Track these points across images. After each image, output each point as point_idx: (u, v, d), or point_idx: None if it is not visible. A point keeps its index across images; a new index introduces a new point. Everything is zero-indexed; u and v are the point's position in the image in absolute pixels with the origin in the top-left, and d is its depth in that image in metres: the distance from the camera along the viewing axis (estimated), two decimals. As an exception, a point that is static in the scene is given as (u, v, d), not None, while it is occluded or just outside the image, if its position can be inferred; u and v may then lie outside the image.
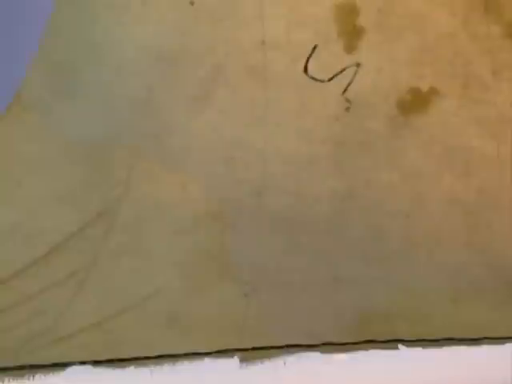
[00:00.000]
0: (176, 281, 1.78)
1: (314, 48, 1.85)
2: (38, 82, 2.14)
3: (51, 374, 1.42)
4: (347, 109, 1.87)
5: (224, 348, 1.53)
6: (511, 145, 1.89)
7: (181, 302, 1.75)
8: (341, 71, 1.84)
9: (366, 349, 1.53)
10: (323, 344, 1.54)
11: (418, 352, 1.54)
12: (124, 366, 1.46)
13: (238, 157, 1.97)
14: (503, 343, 1.55)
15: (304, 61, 1.86)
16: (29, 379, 1.41)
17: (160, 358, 1.48)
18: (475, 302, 1.77)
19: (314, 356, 1.50)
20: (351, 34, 1.85)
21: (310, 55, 1.85)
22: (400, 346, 1.55)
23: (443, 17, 1.84)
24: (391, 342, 1.56)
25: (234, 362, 1.49)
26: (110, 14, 2.10)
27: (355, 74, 1.84)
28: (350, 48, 1.85)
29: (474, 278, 1.81)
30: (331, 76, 1.85)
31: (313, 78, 1.86)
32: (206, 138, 1.99)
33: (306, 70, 1.87)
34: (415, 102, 1.86)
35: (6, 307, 1.66)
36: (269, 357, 1.50)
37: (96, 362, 1.46)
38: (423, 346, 1.54)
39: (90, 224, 1.92)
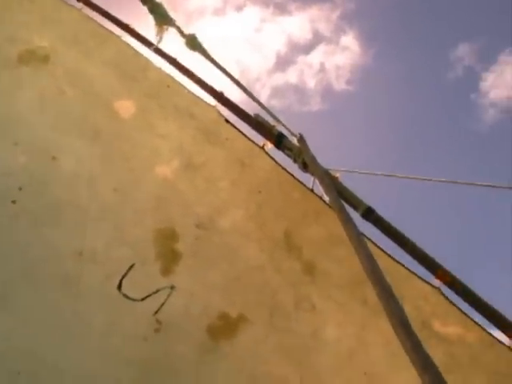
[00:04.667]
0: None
1: (131, 267, 1.88)
2: None
3: None
4: (156, 330, 1.84)
5: None
6: (313, 374, 1.97)
7: None
8: (155, 292, 1.86)
9: None
10: None
11: None
12: None
13: (25, 371, 1.75)
14: None
15: (119, 278, 1.86)
16: None
17: None
18: None
19: None
20: (169, 258, 1.93)
21: (126, 273, 1.86)
22: None
23: (253, 251, 2.02)
24: None
25: None
26: None
27: (169, 295, 1.87)
28: (166, 271, 1.92)
29: None
30: (145, 296, 1.85)
31: (125, 296, 1.84)
32: None
33: (120, 287, 1.85)
34: (225, 327, 1.90)
35: None
36: None
37: None
38: None
39: None
